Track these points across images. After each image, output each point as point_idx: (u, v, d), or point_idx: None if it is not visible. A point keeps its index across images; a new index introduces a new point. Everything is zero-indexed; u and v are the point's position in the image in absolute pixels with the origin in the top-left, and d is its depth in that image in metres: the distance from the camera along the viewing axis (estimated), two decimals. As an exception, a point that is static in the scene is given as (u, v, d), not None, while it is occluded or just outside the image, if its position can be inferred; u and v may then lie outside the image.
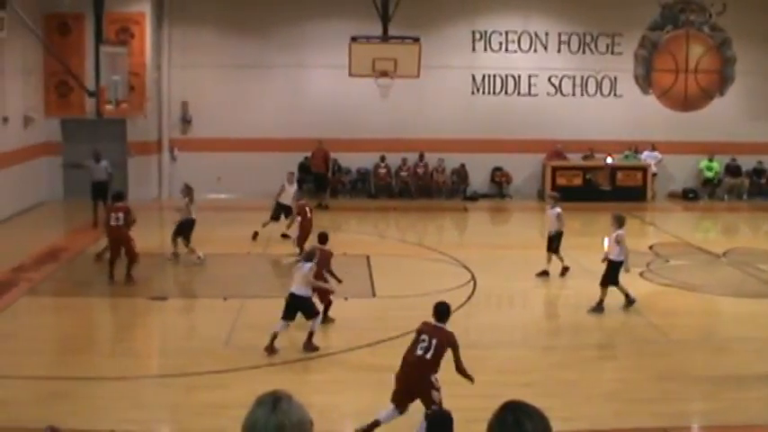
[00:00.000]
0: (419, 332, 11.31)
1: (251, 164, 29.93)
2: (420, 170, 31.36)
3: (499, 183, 31.72)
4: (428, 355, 11.04)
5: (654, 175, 31.44)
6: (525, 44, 31.57)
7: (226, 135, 30.40)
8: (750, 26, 31.97)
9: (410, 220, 27.92)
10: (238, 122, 30.44)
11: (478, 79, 31.54)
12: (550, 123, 31.25)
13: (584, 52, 31.86)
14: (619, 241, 17.29)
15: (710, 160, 32.32)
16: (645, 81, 32.36)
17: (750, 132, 32.40)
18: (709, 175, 32.37)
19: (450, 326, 11.45)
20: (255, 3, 30.43)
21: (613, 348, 15.56)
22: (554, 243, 19.87)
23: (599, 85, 32.05)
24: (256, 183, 28.85)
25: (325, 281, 15.86)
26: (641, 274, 20.34)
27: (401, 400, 11.07)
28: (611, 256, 17.39)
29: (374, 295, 18.60)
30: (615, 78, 32.08)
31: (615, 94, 32.18)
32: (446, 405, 8.12)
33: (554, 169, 30.75)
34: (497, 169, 31.68)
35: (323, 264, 15.72)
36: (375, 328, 15.84)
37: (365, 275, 20.07)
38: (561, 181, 30.22)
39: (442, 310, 11.50)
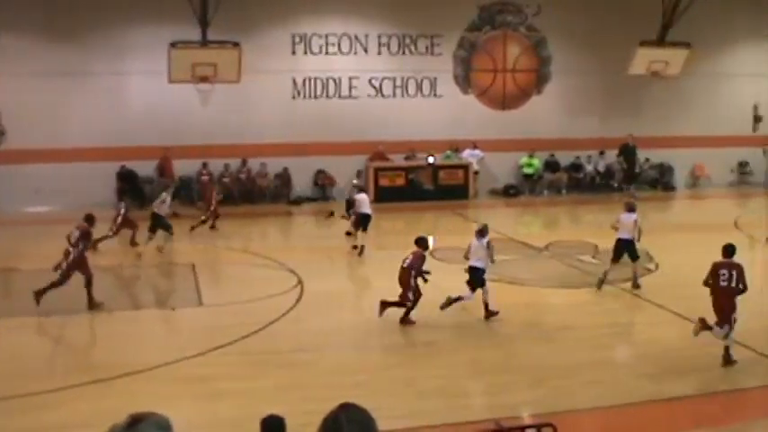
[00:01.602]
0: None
1: (71, 174, 29.00)
2: (243, 175, 31.05)
3: (323, 186, 31.69)
4: None
5: (476, 172, 32.00)
6: (345, 47, 31.65)
7: (43, 145, 29.22)
8: (564, 26, 32.96)
9: (235, 226, 27.57)
10: (56, 132, 29.44)
11: (299, 83, 31.43)
12: (372, 125, 31.44)
13: (403, 54, 32.18)
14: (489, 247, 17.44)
15: (530, 157, 33.15)
16: (464, 81, 32.93)
17: (567, 129, 33.41)
18: (529, 171, 33.19)
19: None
20: (71, 8, 29.37)
21: (442, 344, 15.66)
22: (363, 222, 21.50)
23: (419, 86, 32.40)
24: (77, 193, 27.89)
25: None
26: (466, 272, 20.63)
27: None
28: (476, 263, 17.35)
29: (201, 304, 18.24)
30: (435, 79, 32.53)
31: (435, 95, 32.63)
32: (276, 410, 7.98)
33: (377, 170, 30.90)
34: (320, 172, 31.65)
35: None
36: (203, 338, 15.53)
37: (191, 284, 19.69)
38: (384, 182, 30.45)
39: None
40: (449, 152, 32.12)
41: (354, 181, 25.81)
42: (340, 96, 31.74)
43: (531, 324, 17.06)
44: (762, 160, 36.64)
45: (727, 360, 14.31)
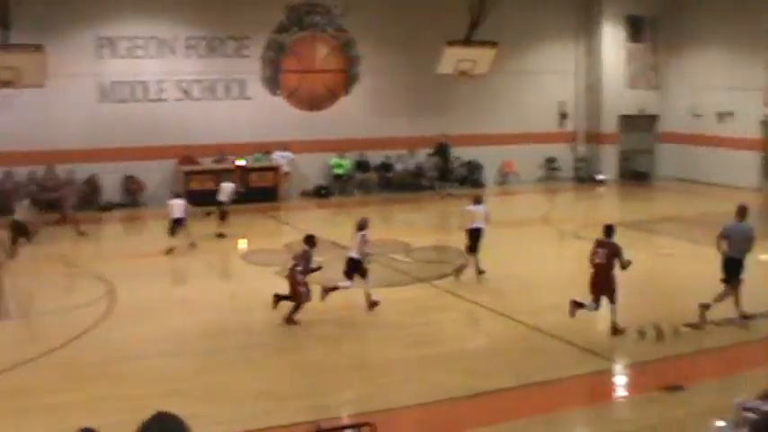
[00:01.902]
0: None
1: None
2: (50, 183, 30.05)
3: (132, 191, 31.00)
4: None
5: (286, 174, 31.93)
6: (153, 50, 31.01)
7: None
8: (372, 27, 33.23)
9: (42, 234, 26.64)
10: None
11: (107, 86, 30.59)
12: (181, 128, 30.94)
13: (212, 56, 31.78)
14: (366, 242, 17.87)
15: (340, 157, 33.28)
16: (273, 83, 32.78)
17: (377, 129, 33.69)
18: (340, 171, 33.33)
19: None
20: None
21: (260, 348, 15.56)
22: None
23: (228, 89, 32.10)
24: None
25: None
26: (280, 273, 20.61)
27: None
28: (352, 254, 17.79)
29: (7, 316, 17.56)
30: (244, 81, 32.25)
31: (244, 97, 32.35)
32: (90, 423, 7.75)
33: (186, 174, 30.44)
34: (129, 178, 30.94)
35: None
36: (10, 352, 14.98)
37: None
38: (195, 185, 29.94)
39: None
40: (259, 154, 31.92)
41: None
42: (148, 100, 31.07)
43: (348, 324, 17.13)
44: (569, 156, 37.95)
45: (616, 330, 15.93)
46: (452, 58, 30.57)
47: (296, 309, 16.82)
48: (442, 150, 34.19)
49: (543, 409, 12.56)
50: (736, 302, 16.80)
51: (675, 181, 37.03)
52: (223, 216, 25.67)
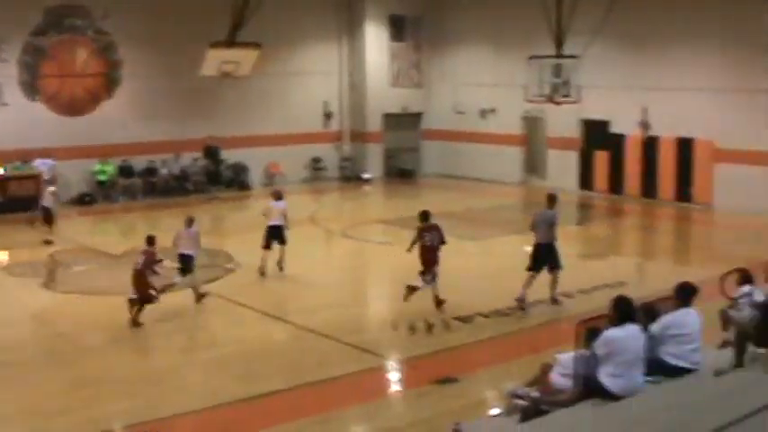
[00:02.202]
0: None
1: None
2: None
3: None
4: None
5: (47, 181, 30.64)
6: None
7: None
8: (134, 30, 32.32)
9: None
10: None
11: None
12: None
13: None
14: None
15: (103, 163, 32.24)
16: (31, 88, 31.37)
17: (141, 133, 32.85)
18: (103, 177, 32.29)
19: None
20: None
21: (25, 364, 14.81)
22: None
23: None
24: None
25: None
26: (44, 285, 19.82)
27: None
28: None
29: None
30: (1, 86, 30.69)
31: (1, 103, 30.81)
32: None
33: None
34: None
35: None
36: None
37: None
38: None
39: None
40: (18, 163, 30.50)
41: None
42: None
43: (116, 333, 16.55)
44: (334, 155, 38.12)
45: (439, 302, 17.33)
46: (215, 60, 30.10)
47: (141, 310, 16.61)
48: (210, 153, 33.65)
49: (318, 409, 12.47)
50: (552, 286, 17.81)
51: (440, 177, 37.83)
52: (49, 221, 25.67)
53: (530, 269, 17.67)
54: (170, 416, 12.15)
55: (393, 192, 36.30)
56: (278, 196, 21.12)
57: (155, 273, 17.03)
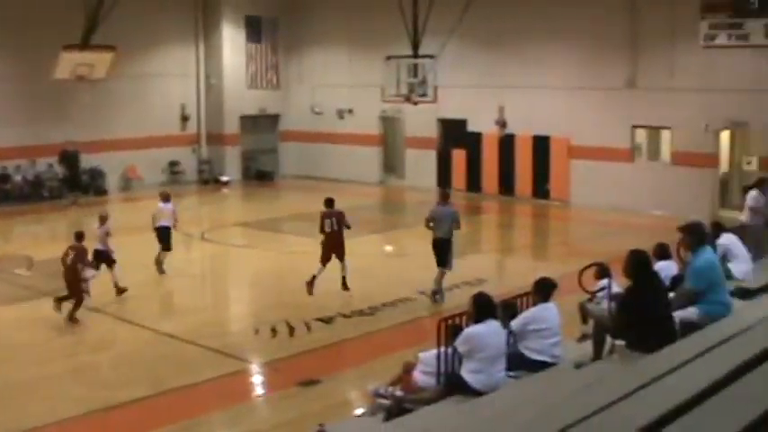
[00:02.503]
0: None
1: None
2: None
3: None
4: None
5: None
6: None
7: None
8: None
9: None
10: None
11: None
12: None
13: None
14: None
15: (-45, 170, 31.18)
16: None
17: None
18: (-49, 184, 31.21)
19: None
20: None
21: None
22: None
23: None
24: None
25: None
26: None
27: None
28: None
29: None
30: None
31: None
32: None
33: None
34: None
35: None
36: None
37: None
38: None
39: None
40: None
41: None
42: None
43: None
44: (192, 158, 37.65)
45: (345, 286, 18.53)
46: (69, 63, 29.39)
47: (77, 306, 16.71)
48: (67, 158, 32.76)
49: (182, 415, 12.35)
50: (438, 279, 18.06)
51: (299, 179, 37.75)
52: None
53: (439, 265, 18.05)
54: (31, 428, 11.85)
55: (252, 194, 36.07)
56: (165, 198, 21.05)
57: (85, 267, 17.15)
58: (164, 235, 20.57)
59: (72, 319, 16.68)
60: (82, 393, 13.21)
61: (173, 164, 37.04)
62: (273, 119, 39.28)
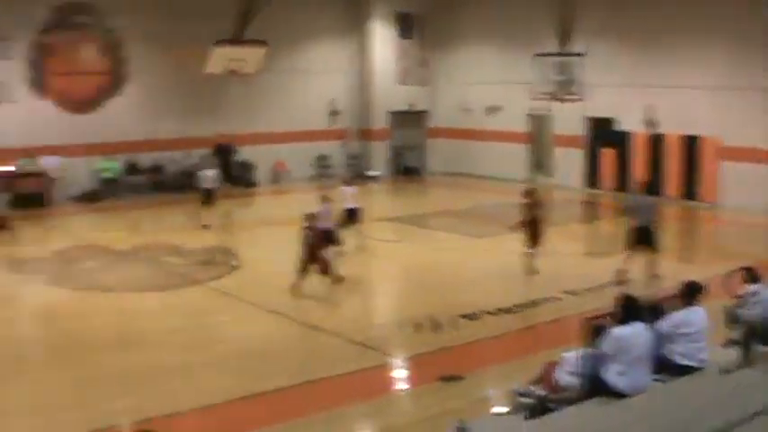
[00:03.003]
0: None
1: None
2: None
3: None
4: None
5: (55, 179, 30.67)
6: None
7: None
8: (141, 27, 32.31)
9: None
10: None
11: None
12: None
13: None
14: None
15: (108, 160, 32.25)
16: (39, 85, 31.35)
17: (148, 130, 32.88)
18: (109, 175, 32.30)
19: None
20: None
21: (29, 361, 14.83)
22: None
23: (-6, 93, 30.47)
24: None
25: None
26: (49, 281, 19.87)
27: None
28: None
29: None
30: (8, 84, 30.62)
31: (9, 101, 30.75)
32: None
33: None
34: None
35: None
36: None
37: None
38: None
39: None
40: (25, 159, 30.51)
41: None
42: None
43: (122, 330, 16.58)
44: (340, 153, 38.09)
45: (338, 279, 18.74)
46: (221, 58, 30.13)
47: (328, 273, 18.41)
48: (222, 151, 33.48)
49: (322, 406, 12.42)
50: (650, 266, 19.08)
51: (446, 175, 37.82)
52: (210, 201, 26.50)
53: (629, 249, 19.14)
54: (173, 413, 12.11)
55: (399, 190, 36.28)
56: (347, 182, 23.47)
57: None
58: (352, 215, 22.11)
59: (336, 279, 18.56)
60: (226, 381, 13.44)
61: (321, 158, 37.53)
62: (422, 115, 39.41)
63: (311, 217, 18.45)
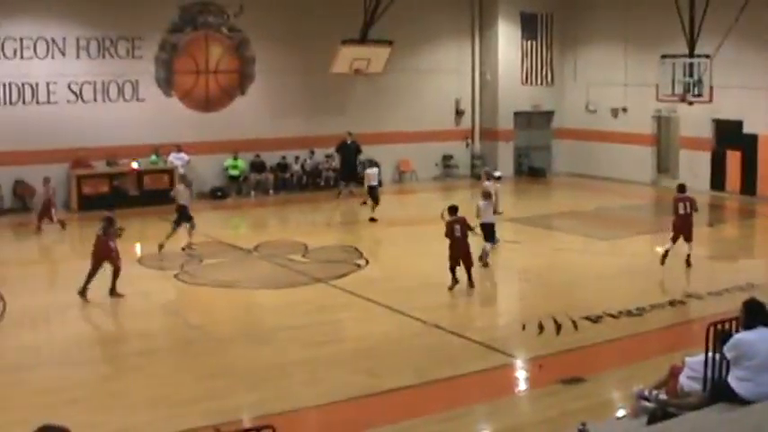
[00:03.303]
0: None
1: None
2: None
3: (22, 196, 30.11)
4: None
5: (182, 176, 31.40)
6: (42, 50, 30.17)
7: None
8: (267, 27, 32.93)
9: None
10: None
11: (-7, 89, 29.69)
12: (72, 131, 30.11)
13: (104, 57, 31.04)
14: None
15: (235, 158, 32.93)
16: (167, 84, 32.22)
17: (273, 129, 33.45)
18: (235, 172, 32.97)
19: None
20: None
21: (156, 353, 15.27)
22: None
23: (121, 90, 31.43)
24: None
25: None
26: (176, 276, 20.41)
27: None
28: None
29: None
30: (137, 82, 31.60)
31: (138, 98, 31.70)
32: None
33: (79, 178, 29.79)
34: (19, 182, 30.06)
35: None
36: None
37: None
38: (87, 189, 29.40)
39: None
40: (154, 157, 31.39)
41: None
42: (38, 102, 30.19)
43: (245, 326, 16.98)
44: (465, 153, 38.19)
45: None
46: (347, 57, 30.49)
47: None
48: (348, 149, 33.77)
49: (444, 405, 12.53)
50: None
51: (571, 176, 37.57)
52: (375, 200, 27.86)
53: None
54: (294, 409, 12.29)
55: (523, 190, 36.13)
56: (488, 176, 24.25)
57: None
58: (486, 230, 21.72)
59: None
60: (346, 379, 13.57)
61: (446, 158, 37.67)
62: (547, 115, 39.21)
63: (455, 210, 19.13)
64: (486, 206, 21.41)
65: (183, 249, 22.93)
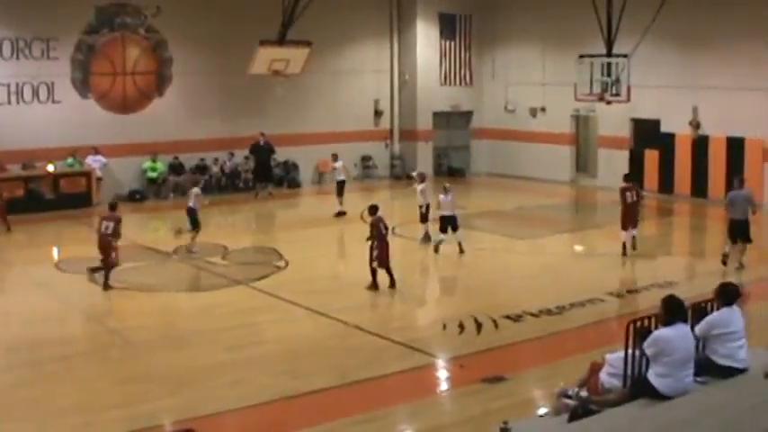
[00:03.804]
0: None
1: None
2: None
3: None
4: None
5: (99, 179, 30.97)
6: (-48, 51, 29.53)
7: None
8: (185, 28, 32.54)
9: None
10: None
11: None
12: (-14, 134, 29.57)
13: (18, 58, 30.39)
14: None
15: (154, 161, 32.52)
16: (83, 85, 31.68)
17: (191, 130, 33.10)
18: (153, 175, 32.57)
19: None
20: None
21: (74, 359, 14.99)
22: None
23: (35, 92, 30.81)
24: None
25: None
26: (94, 281, 20.11)
27: None
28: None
29: None
30: (52, 84, 31.01)
31: (54, 100, 31.12)
32: None
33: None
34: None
35: None
36: None
37: None
38: (4, 194, 28.82)
39: None
40: (70, 159, 30.85)
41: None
42: (-50, 104, 29.60)
43: (165, 330, 16.79)
44: (384, 153, 38.19)
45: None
46: (265, 58, 30.24)
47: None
48: (261, 150, 33.58)
49: (366, 407, 12.51)
50: (740, 255, 20.11)
51: (491, 176, 37.81)
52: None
53: (740, 240, 20.31)
54: (215, 413, 12.18)
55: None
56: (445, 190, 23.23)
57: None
58: (450, 222, 22.49)
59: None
60: (267, 381, 13.49)
61: (365, 159, 37.65)
62: (466, 115, 39.41)
63: (375, 209, 19.33)
64: (445, 199, 22.28)
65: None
